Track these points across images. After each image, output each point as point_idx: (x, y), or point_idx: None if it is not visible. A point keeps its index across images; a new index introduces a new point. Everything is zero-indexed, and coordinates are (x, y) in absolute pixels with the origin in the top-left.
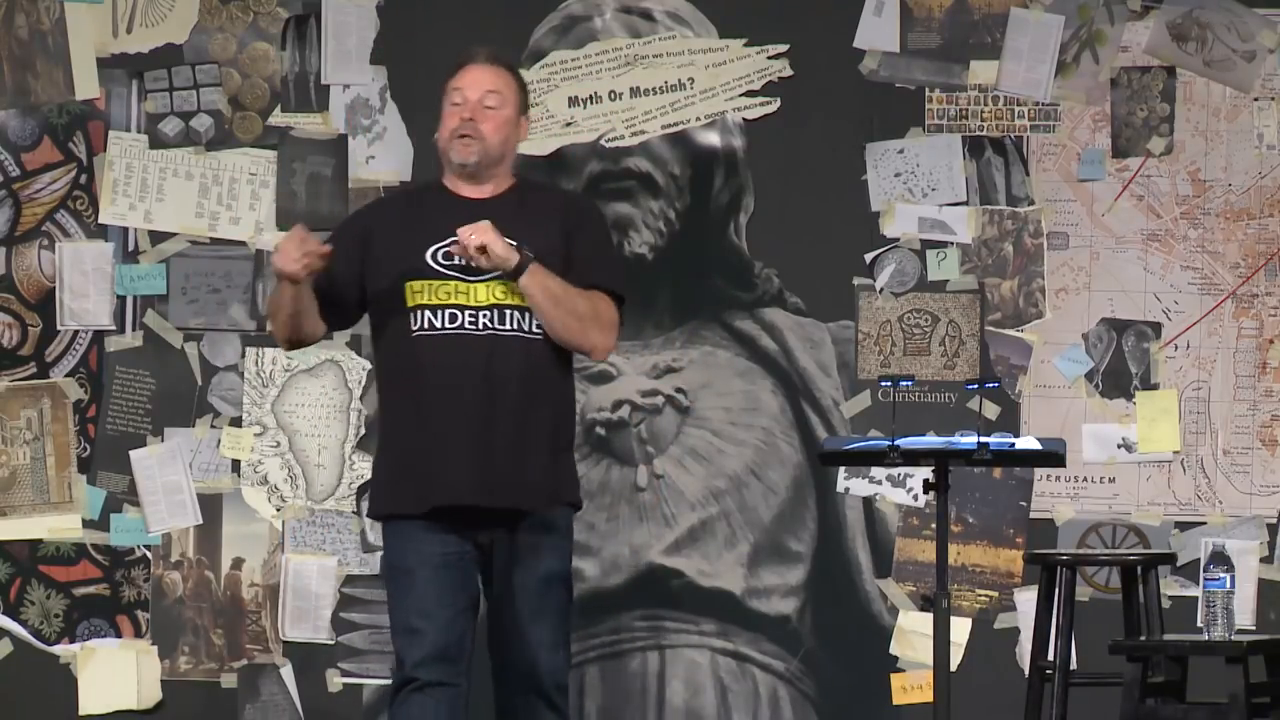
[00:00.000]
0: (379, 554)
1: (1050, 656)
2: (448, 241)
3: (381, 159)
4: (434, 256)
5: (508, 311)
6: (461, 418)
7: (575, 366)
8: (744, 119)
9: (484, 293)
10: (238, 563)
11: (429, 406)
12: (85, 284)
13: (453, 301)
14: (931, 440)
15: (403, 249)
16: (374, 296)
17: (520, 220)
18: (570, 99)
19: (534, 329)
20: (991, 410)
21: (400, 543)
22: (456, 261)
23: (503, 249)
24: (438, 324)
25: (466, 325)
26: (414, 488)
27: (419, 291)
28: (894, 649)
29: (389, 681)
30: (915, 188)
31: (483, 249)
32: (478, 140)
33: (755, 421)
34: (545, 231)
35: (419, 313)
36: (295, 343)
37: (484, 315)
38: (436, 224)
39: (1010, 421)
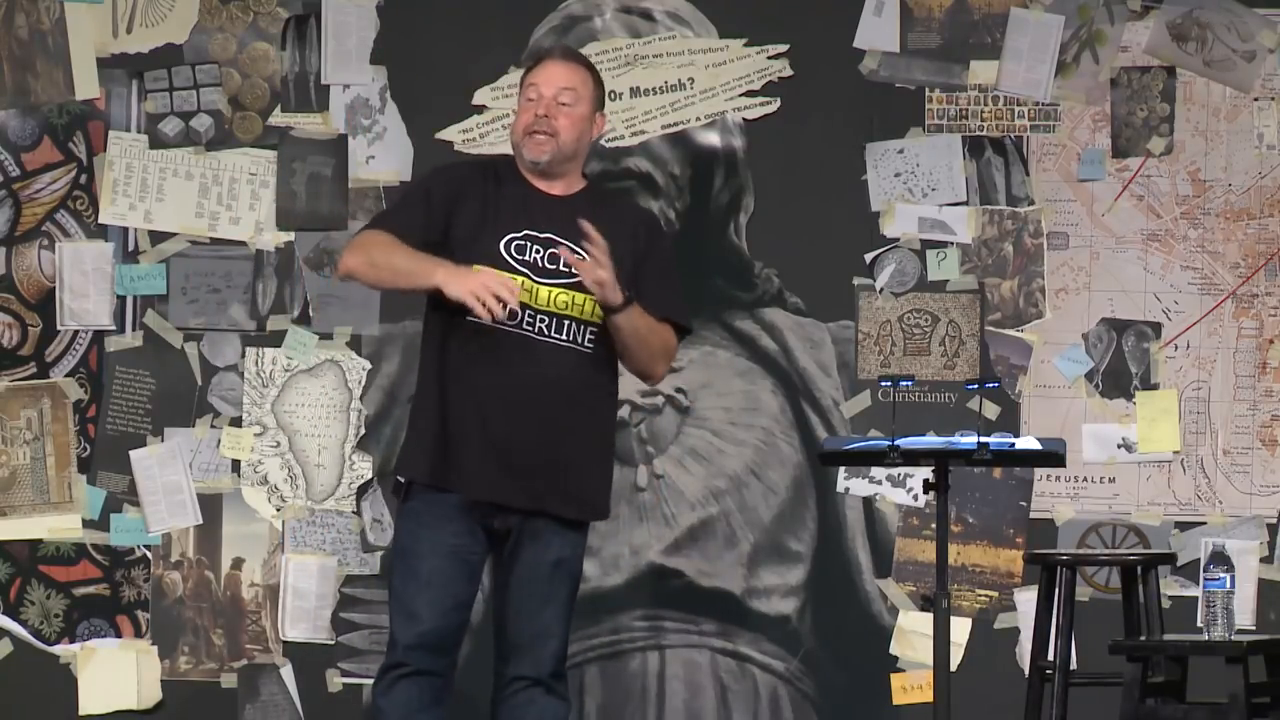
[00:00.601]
0: (379, 554)
1: (1050, 656)
2: (522, 234)
3: (381, 159)
4: (507, 248)
5: (567, 322)
6: (505, 417)
7: None
8: (744, 119)
9: (546, 295)
10: (238, 563)
11: (473, 397)
12: (85, 284)
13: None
14: (931, 440)
15: (479, 230)
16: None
17: (594, 223)
18: None
19: (587, 343)
20: (991, 410)
21: (414, 525)
22: (527, 258)
23: (615, 291)
24: (498, 315)
25: (524, 326)
26: (445, 468)
27: None
28: (894, 649)
29: None
30: (915, 188)
31: (600, 282)
32: (551, 137)
33: (755, 421)
34: (616, 244)
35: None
36: (358, 283)
37: (542, 320)
38: (514, 213)
39: (1010, 421)
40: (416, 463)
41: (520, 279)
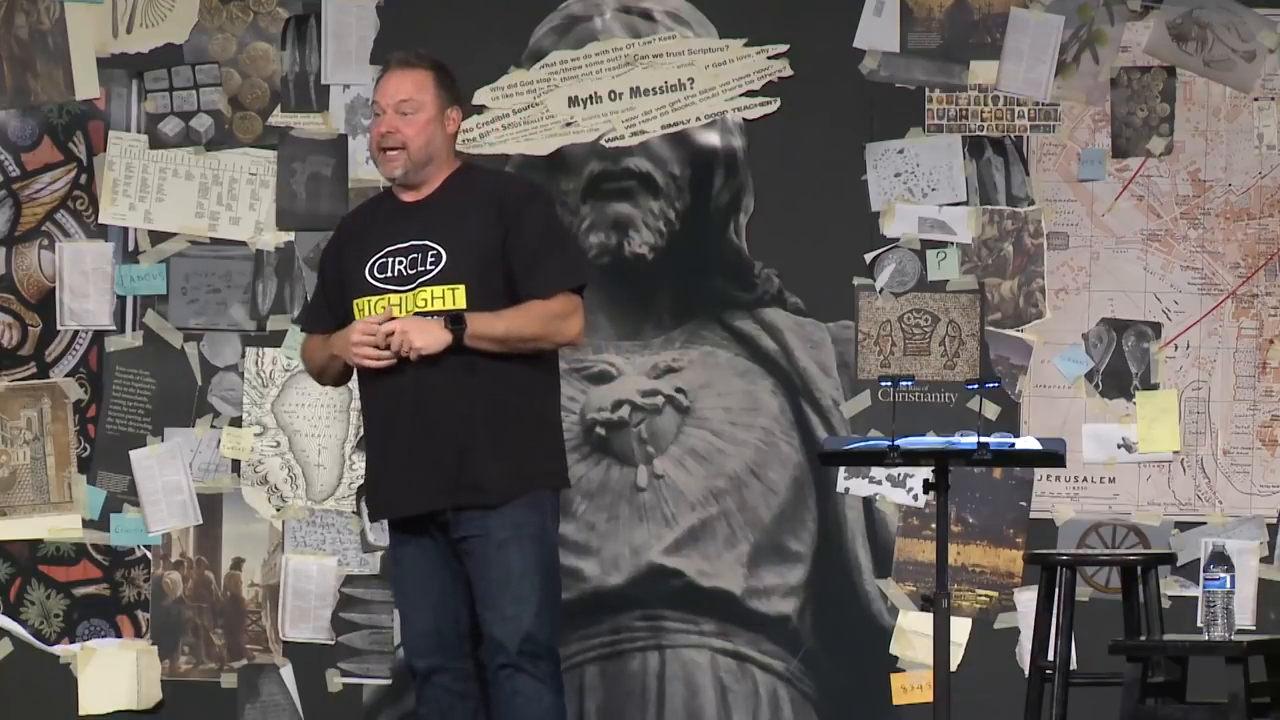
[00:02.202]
0: (379, 554)
1: (1050, 656)
2: (383, 253)
3: None
4: (370, 271)
5: (431, 318)
6: (393, 429)
7: (573, 366)
8: (744, 119)
9: (411, 302)
10: (238, 563)
11: (372, 421)
12: (85, 284)
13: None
14: (931, 440)
15: (351, 267)
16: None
17: (448, 211)
18: (570, 99)
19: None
20: (991, 410)
21: (390, 541)
22: (391, 273)
23: (434, 341)
24: (377, 358)
25: None
26: (371, 498)
27: (361, 308)
28: (894, 649)
29: (389, 681)
30: (915, 188)
31: (405, 340)
32: (398, 151)
33: (755, 421)
34: (477, 224)
35: None
36: (330, 383)
37: None
38: (376, 237)
39: (1010, 421)
40: (368, 505)
41: (387, 296)
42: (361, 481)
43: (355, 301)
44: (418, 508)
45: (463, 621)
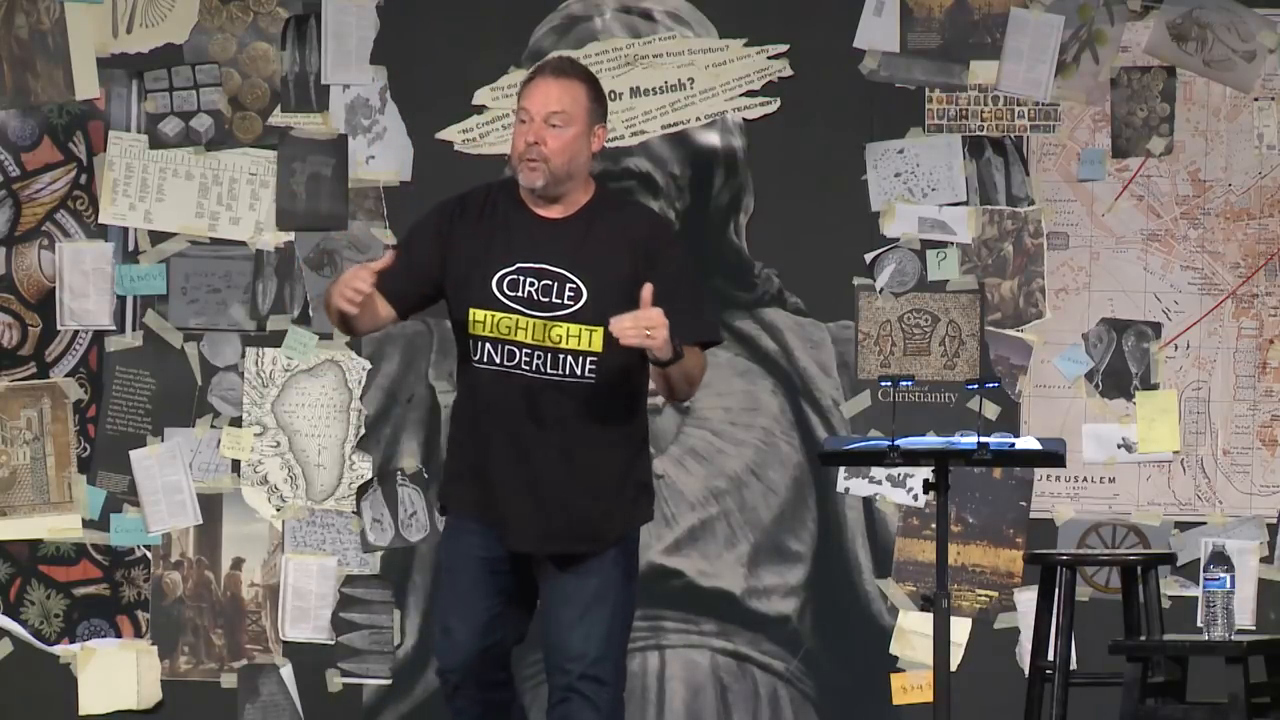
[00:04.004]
0: (379, 554)
1: (1050, 656)
2: (514, 268)
3: (381, 159)
4: (500, 285)
5: (562, 356)
6: (508, 458)
7: None
8: (744, 119)
9: (541, 331)
10: (238, 563)
11: (481, 438)
12: (85, 284)
13: (511, 337)
14: (931, 440)
15: (472, 270)
16: (450, 307)
17: (588, 245)
18: None
19: (587, 374)
20: (991, 410)
21: (449, 540)
22: (521, 293)
23: (664, 351)
24: (496, 359)
25: (522, 365)
26: (467, 496)
27: (480, 321)
28: (894, 649)
29: (389, 681)
30: (915, 188)
31: (653, 343)
32: (542, 163)
33: (755, 421)
34: (614, 261)
35: (479, 343)
36: (351, 333)
37: (538, 357)
38: (507, 246)
39: (1010, 421)
40: (449, 494)
41: (515, 317)
42: (363, 482)
43: (473, 310)
44: (524, 547)
45: (507, 642)
